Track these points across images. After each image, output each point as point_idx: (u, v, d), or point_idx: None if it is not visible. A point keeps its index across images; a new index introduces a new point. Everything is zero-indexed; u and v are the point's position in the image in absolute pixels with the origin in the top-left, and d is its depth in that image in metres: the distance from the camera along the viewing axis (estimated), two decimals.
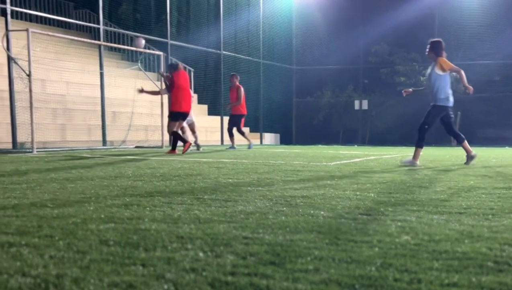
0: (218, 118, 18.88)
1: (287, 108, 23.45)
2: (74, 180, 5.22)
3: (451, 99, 7.88)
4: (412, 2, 21.45)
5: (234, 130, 14.37)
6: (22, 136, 11.60)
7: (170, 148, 11.37)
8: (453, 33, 21.96)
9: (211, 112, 19.32)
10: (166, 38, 16.61)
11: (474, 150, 8.15)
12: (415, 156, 7.81)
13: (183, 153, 10.81)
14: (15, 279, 1.85)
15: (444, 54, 7.91)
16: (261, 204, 3.62)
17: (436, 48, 7.90)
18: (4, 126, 11.69)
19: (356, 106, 22.59)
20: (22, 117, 11.51)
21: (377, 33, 21.63)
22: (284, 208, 3.44)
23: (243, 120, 14.40)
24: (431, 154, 11.92)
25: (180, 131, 11.41)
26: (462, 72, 7.75)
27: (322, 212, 3.29)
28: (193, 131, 12.65)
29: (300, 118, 23.75)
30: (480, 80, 21.06)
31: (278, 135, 22.64)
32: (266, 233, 2.63)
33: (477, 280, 1.88)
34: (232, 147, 14.13)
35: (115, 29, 16.83)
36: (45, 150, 11.56)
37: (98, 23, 14.55)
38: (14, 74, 11.45)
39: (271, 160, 9.19)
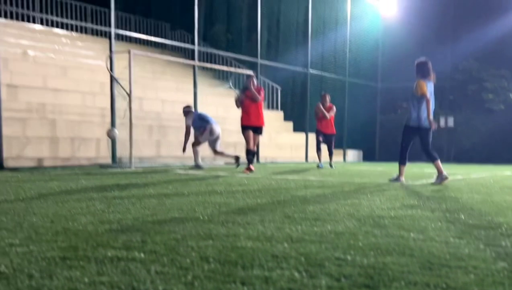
0: (303, 135, 18.96)
1: (371, 125, 23.14)
2: (171, 195, 5.50)
3: (424, 120, 7.84)
4: (501, 18, 20.60)
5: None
6: (121, 151, 12.27)
7: (246, 166, 10.74)
8: None
9: (296, 129, 19.48)
10: (256, 57, 16.95)
11: None
12: (400, 173, 8.10)
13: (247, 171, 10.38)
14: None
15: (432, 75, 7.90)
16: (349, 224, 3.66)
17: (421, 70, 7.93)
18: (104, 142, 12.42)
19: (441, 124, 21.92)
20: (120, 133, 12.18)
21: (465, 50, 20.93)
22: (373, 229, 3.46)
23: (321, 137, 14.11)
24: None
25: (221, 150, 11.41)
26: (429, 104, 7.74)
27: (412, 234, 3.27)
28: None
29: (384, 135, 23.33)
30: None
31: (361, 152, 22.37)
32: (358, 254, 2.68)
33: None
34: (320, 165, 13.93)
35: (208, 50, 17.42)
36: (142, 165, 12.17)
37: (193, 43, 15.15)
38: (116, 93, 12.18)
39: (356, 178, 9.15)
